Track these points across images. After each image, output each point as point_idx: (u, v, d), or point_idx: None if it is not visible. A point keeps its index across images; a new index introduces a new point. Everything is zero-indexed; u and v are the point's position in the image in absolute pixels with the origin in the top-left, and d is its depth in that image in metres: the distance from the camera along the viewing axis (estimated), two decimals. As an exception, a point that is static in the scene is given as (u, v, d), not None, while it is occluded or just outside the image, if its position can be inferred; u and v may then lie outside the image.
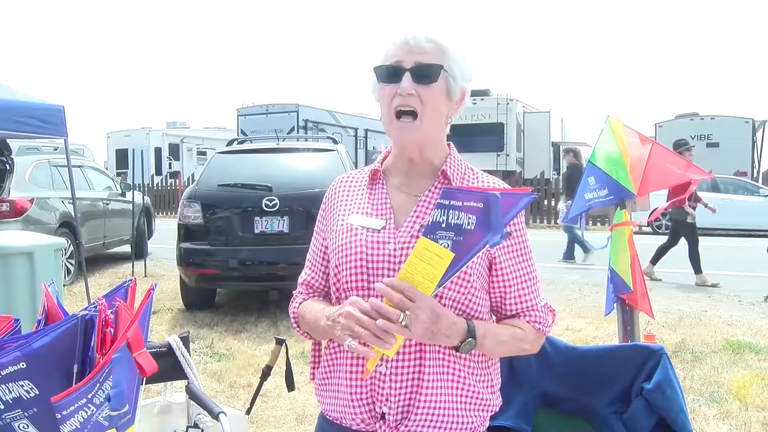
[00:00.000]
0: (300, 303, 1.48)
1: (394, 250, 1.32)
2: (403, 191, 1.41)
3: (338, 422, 1.40)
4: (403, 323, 1.19)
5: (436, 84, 1.34)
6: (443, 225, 1.18)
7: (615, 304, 3.10)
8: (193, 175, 20.10)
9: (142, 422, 1.25)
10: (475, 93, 19.20)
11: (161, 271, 9.20)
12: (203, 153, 23.79)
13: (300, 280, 1.52)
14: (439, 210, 1.19)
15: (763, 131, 18.94)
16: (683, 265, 9.66)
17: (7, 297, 4.19)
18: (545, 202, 17.66)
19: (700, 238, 8.59)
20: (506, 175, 18.08)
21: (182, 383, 2.06)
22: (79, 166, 9.47)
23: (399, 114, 1.35)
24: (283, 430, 3.75)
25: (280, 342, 2.24)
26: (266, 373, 2.38)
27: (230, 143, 7.58)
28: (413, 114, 1.34)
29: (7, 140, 7.75)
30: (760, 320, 6.29)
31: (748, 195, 14.76)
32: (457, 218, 1.18)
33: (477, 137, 18.53)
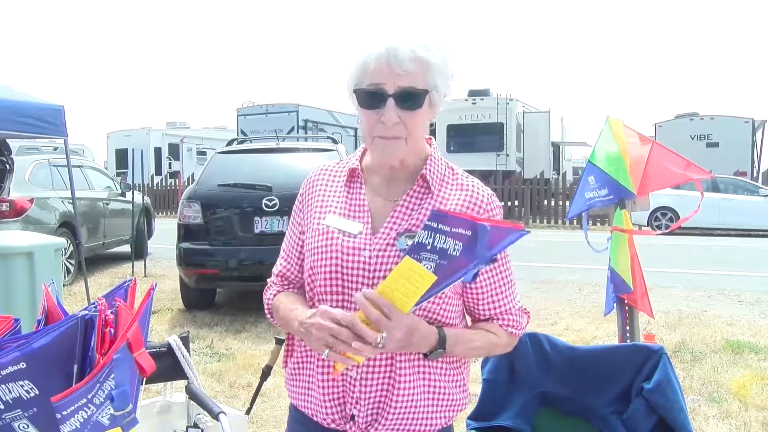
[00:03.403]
0: (274, 294, 1.47)
1: (369, 257, 1.31)
2: (381, 195, 1.39)
3: (310, 416, 1.41)
4: (380, 345, 1.19)
5: (421, 109, 1.30)
6: (428, 247, 1.16)
7: (614, 304, 3.10)
8: (193, 175, 20.09)
9: (142, 422, 1.25)
10: (475, 93, 19.21)
11: (161, 271, 9.20)
12: (203, 153, 23.78)
13: (275, 270, 1.50)
14: (426, 231, 1.16)
15: (763, 131, 18.95)
16: (683, 264, 9.66)
17: (7, 297, 4.19)
18: (545, 202, 17.66)
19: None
20: (506, 175, 18.09)
21: (182, 383, 2.06)
22: (79, 166, 9.47)
23: None
24: (283, 430, 3.75)
25: (280, 342, 2.24)
26: (266, 373, 2.38)
27: (230, 143, 7.58)
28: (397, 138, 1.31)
29: (7, 140, 7.74)
30: (760, 320, 6.29)
31: (748, 195, 14.77)
32: (444, 243, 1.15)
33: (477, 137, 18.53)
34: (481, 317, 1.41)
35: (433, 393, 1.36)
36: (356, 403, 1.33)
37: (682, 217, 14.41)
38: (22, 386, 1.11)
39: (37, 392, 1.11)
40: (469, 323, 1.45)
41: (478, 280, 1.35)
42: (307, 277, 1.40)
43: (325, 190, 1.44)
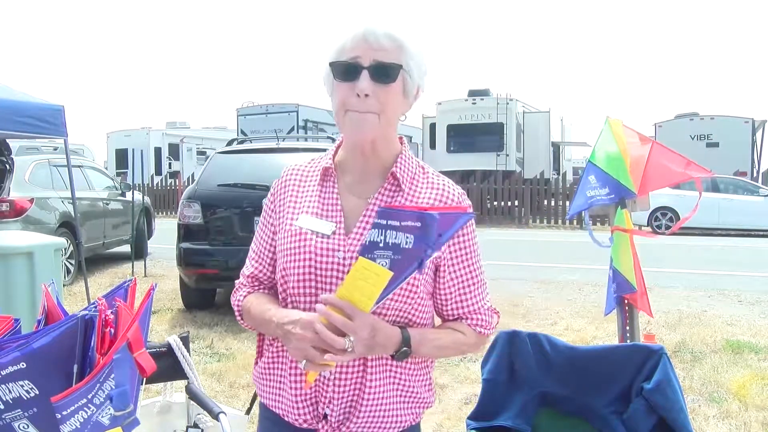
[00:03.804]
0: (244, 296, 1.47)
1: (344, 258, 1.31)
2: (354, 194, 1.39)
3: (281, 416, 1.42)
4: (349, 349, 1.20)
5: (394, 84, 1.31)
6: (380, 245, 1.17)
7: (616, 302, 3.10)
8: (193, 175, 20.09)
9: (142, 422, 1.25)
10: (475, 93, 19.21)
11: (161, 271, 9.20)
12: (203, 153, 23.78)
13: (245, 272, 1.49)
14: (376, 230, 1.17)
15: (763, 131, 18.94)
16: (683, 264, 9.66)
17: (7, 297, 4.19)
18: (545, 202, 17.66)
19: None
20: (506, 175, 18.09)
21: (182, 383, 2.07)
22: (79, 166, 9.47)
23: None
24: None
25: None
26: (266, 373, 2.37)
27: (230, 143, 7.58)
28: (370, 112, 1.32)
29: (7, 140, 7.74)
30: (760, 320, 6.29)
31: (748, 195, 14.77)
32: (395, 238, 1.16)
33: (477, 137, 18.53)
34: (450, 317, 1.42)
35: (402, 391, 1.39)
36: (329, 402, 1.35)
37: (682, 217, 14.46)
38: (22, 386, 1.11)
39: (37, 392, 1.11)
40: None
41: (446, 279, 1.38)
42: (279, 278, 1.40)
43: (298, 189, 1.44)
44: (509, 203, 17.83)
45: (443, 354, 1.43)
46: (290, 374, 1.38)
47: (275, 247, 1.43)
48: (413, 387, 1.40)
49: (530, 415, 1.84)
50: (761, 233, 14.16)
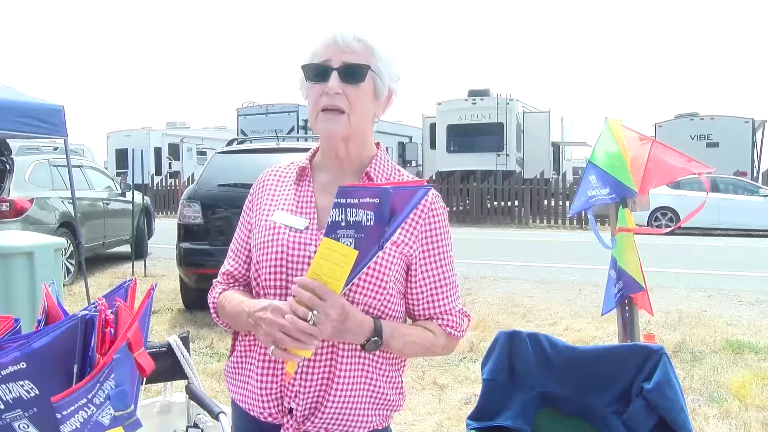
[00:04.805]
0: (220, 293, 1.48)
1: (315, 252, 1.31)
2: (329, 191, 1.40)
3: (247, 411, 1.42)
4: (311, 321, 1.20)
5: (363, 84, 1.35)
6: (342, 224, 1.19)
7: (616, 304, 3.10)
8: (193, 175, 20.09)
9: (142, 422, 1.25)
10: (475, 93, 19.21)
11: (161, 271, 9.19)
12: (203, 153, 23.79)
13: (222, 269, 1.51)
14: (337, 209, 1.19)
15: (763, 131, 18.94)
16: (683, 264, 9.66)
17: (7, 297, 4.19)
18: (545, 202, 17.67)
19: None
20: (506, 175, 18.09)
21: (182, 383, 2.07)
22: (79, 166, 9.47)
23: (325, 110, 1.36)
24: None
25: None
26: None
27: (230, 143, 7.59)
28: (340, 110, 1.35)
29: (7, 140, 7.74)
30: (760, 320, 6.29)
31: (748, 195, 14.77)
32: (356, 215, 1.18)
33: (477, 137, 18.54)
34: (421, 317, 1.43)
35: (371, 391, 1.38)
36: (295, 396, 1.35)
37: (683, 216, 14.46)
38: (22, 386, 1.11)
39: (37, 392, 1.11)
40: None
41: (418, 279, 1.39)
42: (253, 272, 1.42)
43: (275, 188, 1.47)
44: (509, 203, 17.84)
45: (413, 351, 1.42)
46: (257, 368, 1.38)
47: (250, 245, 1.45)
48: (382, 388, 1.39)
49: (530, 415, 1.84)
50: (761, 233, 14.16)
